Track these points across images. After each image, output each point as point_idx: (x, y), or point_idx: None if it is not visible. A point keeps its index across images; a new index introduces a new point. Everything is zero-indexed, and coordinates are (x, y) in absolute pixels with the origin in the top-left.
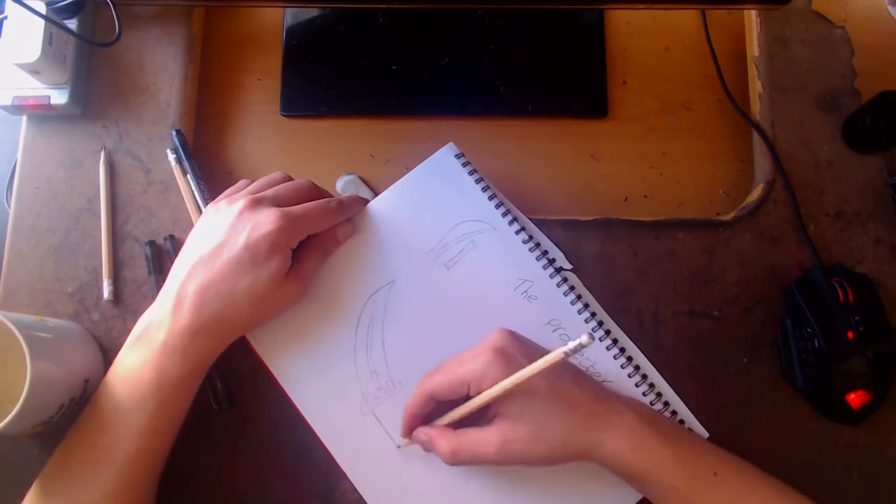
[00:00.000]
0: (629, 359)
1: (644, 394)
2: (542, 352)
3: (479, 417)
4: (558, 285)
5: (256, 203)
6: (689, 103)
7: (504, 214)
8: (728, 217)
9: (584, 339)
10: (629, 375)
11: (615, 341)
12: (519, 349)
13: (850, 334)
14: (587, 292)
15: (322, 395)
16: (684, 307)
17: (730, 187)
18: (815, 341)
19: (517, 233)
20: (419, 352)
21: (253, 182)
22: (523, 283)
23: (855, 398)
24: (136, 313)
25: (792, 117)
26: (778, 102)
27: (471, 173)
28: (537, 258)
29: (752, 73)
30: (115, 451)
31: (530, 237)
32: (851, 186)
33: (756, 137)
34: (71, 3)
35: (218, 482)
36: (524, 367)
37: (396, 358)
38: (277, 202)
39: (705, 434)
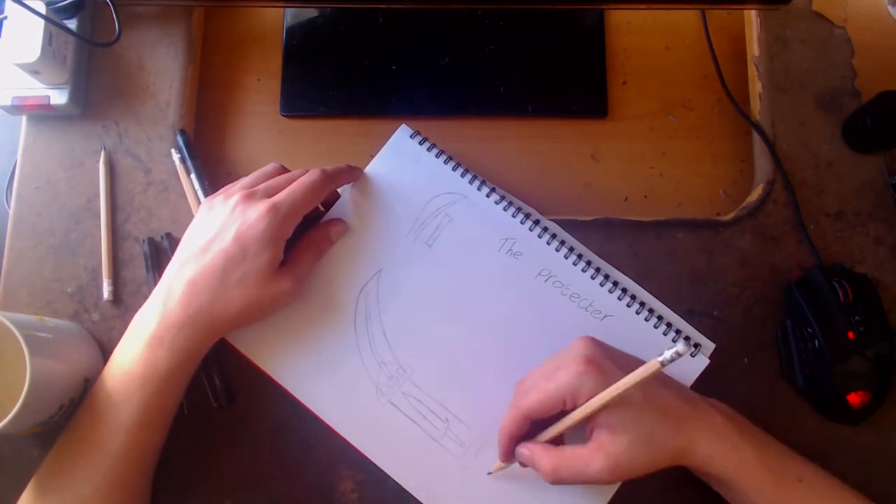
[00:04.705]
0: (623, 290)
1: (646, 319)
2: (627, 356)
3: (576, 430)
4: (539, 236)
5: (249, 197)
6: (689, 103)
7: (471, 181)
8: (728, 217)
9: (680, 347)
10: (628, 305)
11: (607, 277)
12: (607, 357)
13: (851, 334)
14: (569, 236)
15: (336, 395)
16: (684, 307)
17: (730, 187)
18: (815, 341)
19: (488, 195)
20: (422, 333)
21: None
22: (506, 241)
23: (855, 398)
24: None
25: (792, 117)
26: (778, 102)
27: (429, 149)
28: (513, 215)
29: (752, 72)
30: (106, 446)
31: (502, 197)
32: (851, 186)
33: (756, 137)
34: (71, 3)
35: (218, 480)
36: (618, 375)
37: (401, 344)
38: (270, 195)
39: (712, 346)
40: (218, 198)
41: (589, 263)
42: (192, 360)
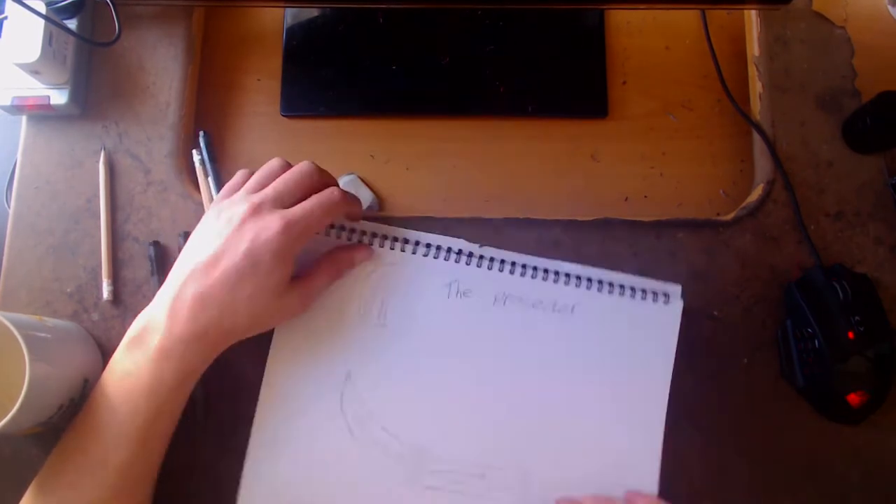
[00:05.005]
0: (578, 277)
1: (609, 293)
2: None
3: None
4: (478, 266)
5: (258, 209)
6: (689, 103)
7: (391, 247)
8: (728, 217)
9: None
10: (587, 288)
11: (557, 273)
12: None
13: (851, 334)
14: (506, 253)
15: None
16: (684, 307)
17: (730, 187)
18: (816, 341)
19: (413, 252)
20: (421, 411)
21: (252, 173)
22: (450, 286)
23: (855, 398)
24: (136, 313)
25: (792, 117)
26: (778, 102)
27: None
28: (444, 259)
29: (752, 73)
30: (110, 457)
31: (427, 245)
32: (851, 186)
33: (756, 137)
34: (71, 3)
35: (217, 483)
36: None
37: (406, 431)
38: (280, 201)
39: (678, 288)
40: (224, 203)
41: (535, 269)
42: (197, 373)
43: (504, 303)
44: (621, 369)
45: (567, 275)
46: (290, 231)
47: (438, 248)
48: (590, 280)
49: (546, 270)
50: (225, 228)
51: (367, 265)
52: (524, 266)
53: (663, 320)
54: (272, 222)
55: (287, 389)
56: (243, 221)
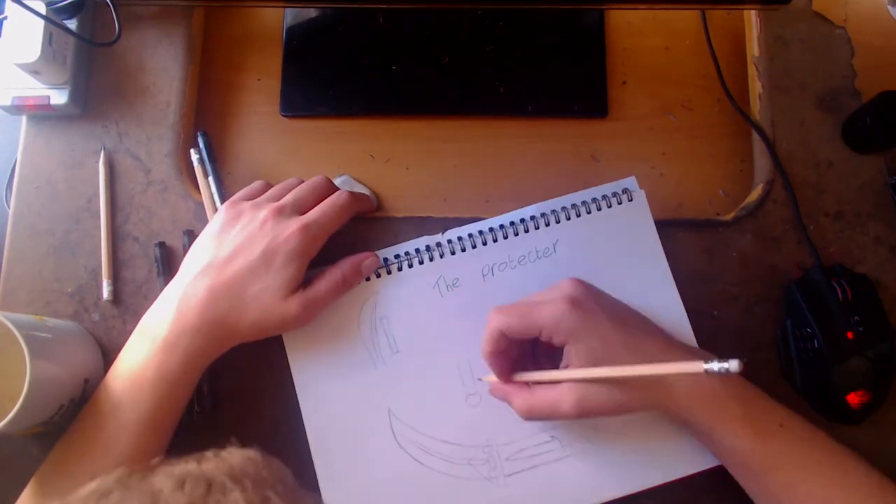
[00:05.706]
0: (542, 215)
1: (578, 215)
2: (613, 300)
3: (553, 359)
4: (453, 253)
5: (279, 213)
6: (689, 103)
7: (367, 277)
8: (728, 217)
9: (733, 365)
10: (557, 221)
11: (522, 221)
12: (593, 299)
13: (850, 334)
14: (467, 227)
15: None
16: (685, 307)
17: (730, 187)
18: (815, 341)
19: (388, 273)
20: (459, 413)
21: (270, 187)
22: (437, 284)
23: (855, 398)
24: (136, 313)
25: (792, 117)
26: (778, 102)
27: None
28: (419, 263)
29: (752, 73)
30: (112, 447)
31: (395, 256)
32: (851, 186)
33: (756, 137)
34: (71, 3)
35: None
36: (600, 316)
37: (459, 442)
38: (298, 208)
39: (632, 180)
40: (246, 206)
41: (502, 227)
42: (202, 366)
43: (493, 273)
44: (622, 273)
45: (532, 217)
46: (307, 231)
47: (407, 253)
48: (554, 212)
49: (512, 223)
50: (246, 228)
51: (355, 304)
52: (491, 230)
53: (635, 214)
54: (291, 224)
55: (337, 436)
56: (265, 222)
